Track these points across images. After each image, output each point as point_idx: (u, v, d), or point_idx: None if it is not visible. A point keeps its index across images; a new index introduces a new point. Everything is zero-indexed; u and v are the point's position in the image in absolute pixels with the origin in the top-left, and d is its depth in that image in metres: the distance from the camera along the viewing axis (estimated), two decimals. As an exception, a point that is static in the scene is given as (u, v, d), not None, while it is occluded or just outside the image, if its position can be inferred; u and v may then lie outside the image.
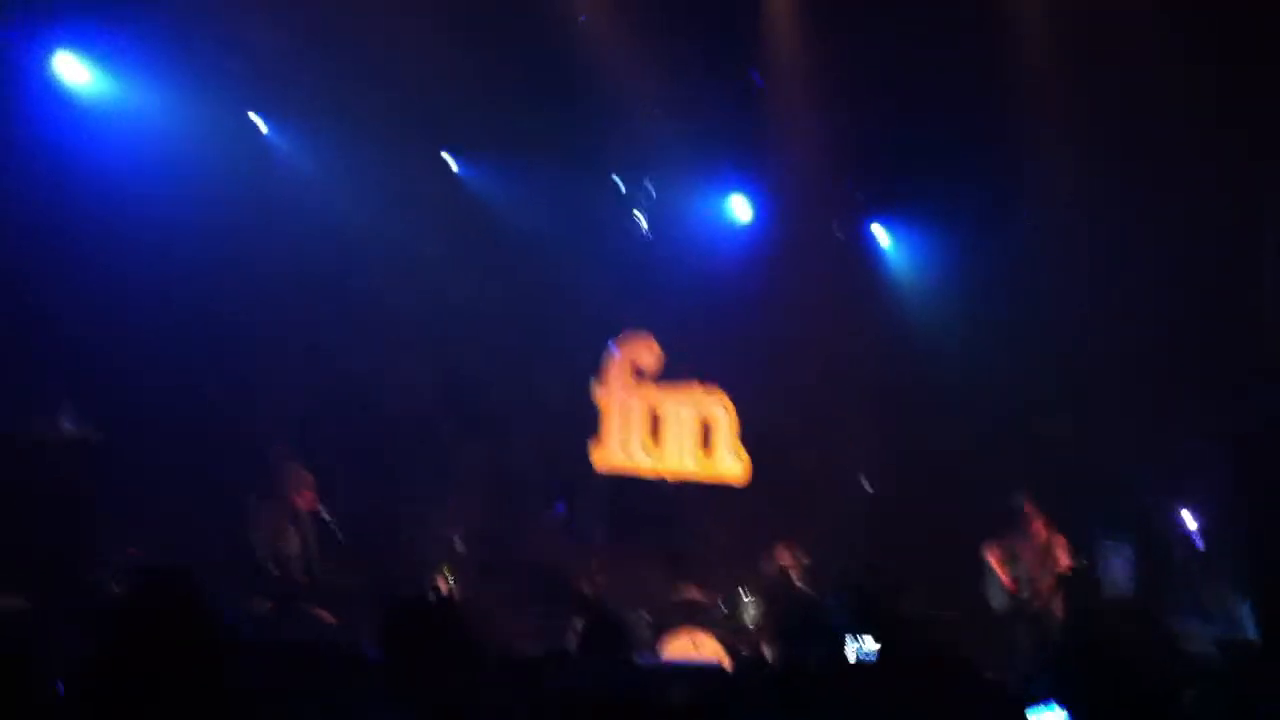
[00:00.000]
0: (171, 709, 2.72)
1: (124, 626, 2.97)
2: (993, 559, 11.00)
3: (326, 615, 8.87)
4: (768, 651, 9.60)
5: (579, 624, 9.55)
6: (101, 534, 8.69)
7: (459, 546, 9.99)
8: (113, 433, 8.99)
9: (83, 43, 10.02)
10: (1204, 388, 11.21)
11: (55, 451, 8.75)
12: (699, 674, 7.60)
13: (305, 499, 9.34)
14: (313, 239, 10.53)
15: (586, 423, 11.77)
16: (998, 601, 10.94)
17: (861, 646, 4.98)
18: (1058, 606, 10.79)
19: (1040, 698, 3.91)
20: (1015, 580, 10.86)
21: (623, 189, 11.84)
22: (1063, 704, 3.86)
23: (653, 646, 9.77)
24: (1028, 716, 3.89)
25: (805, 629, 6.03)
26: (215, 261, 10.05)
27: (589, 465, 11.70)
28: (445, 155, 11.55)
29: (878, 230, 12.90)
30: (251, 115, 10.85)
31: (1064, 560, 10.71)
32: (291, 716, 3.78)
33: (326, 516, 9.34)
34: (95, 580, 8.12)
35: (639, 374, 11.90)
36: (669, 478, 11.76)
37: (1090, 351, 11.66)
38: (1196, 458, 11.18)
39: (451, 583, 9.63)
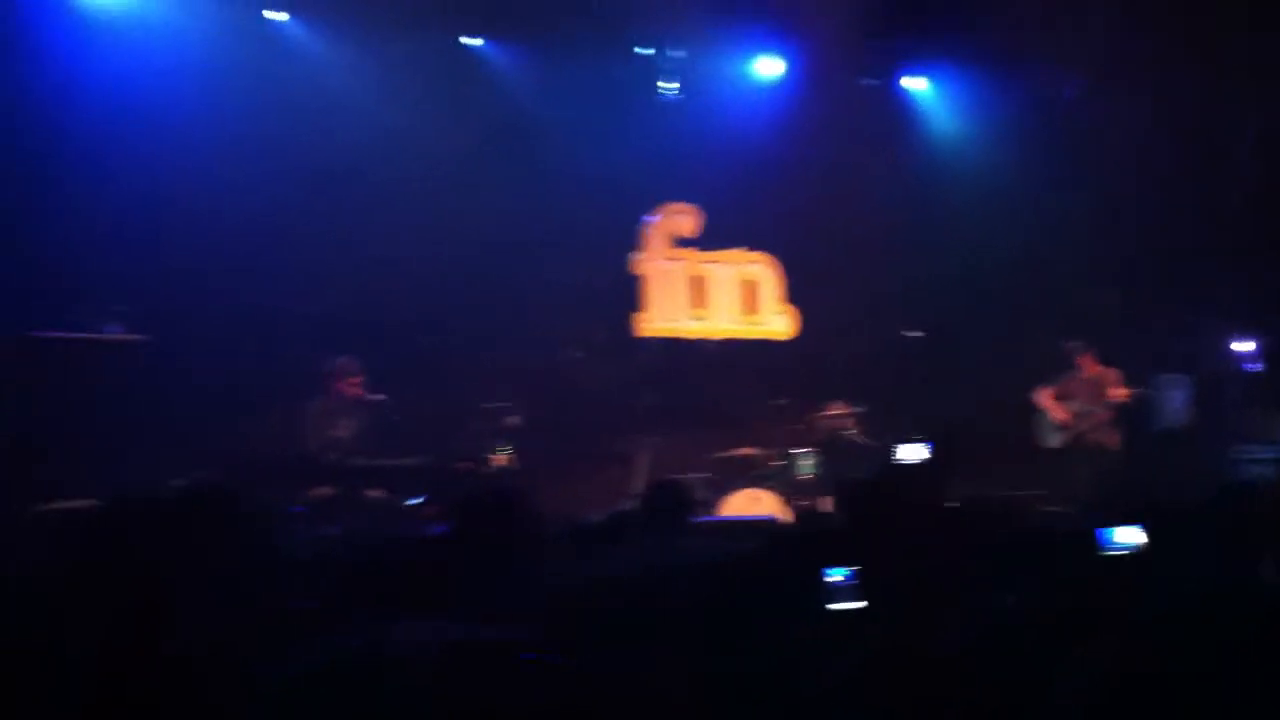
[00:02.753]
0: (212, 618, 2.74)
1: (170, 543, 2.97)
2: (1044, 398, 11.01)
3: (386, 495, 9.00)
4: (825, 503, 9.68)
5: (639, 489, 9.70)
6: (154, 437, 8.81)
7: (513, 421, 10.05)
8: (157, 337, 9.08)
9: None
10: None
11: (103, 356, 8.84)
12: (758, 530, 7.67)
13: (352, 386, 9.44)
14: (341, 135, 10.44)
15: (630, 295, 11.74)
16: (1052, 439, 10.97)
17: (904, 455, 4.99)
18: (1112, 439, 10.81)
19: (1112, 523, 3.93)
20: (1070, 415, 10.88)
21: (647, 59, 11.64)
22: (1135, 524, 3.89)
23: (710, 506, 9.86)
24: (1107, 537, 3.90)
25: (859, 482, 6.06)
26: (243, 164, 9.99)
27: (634, 335, 11.69)
28: (465, 40, 11.39)
29: (914, 83, 12.63)
30: (267, 14, 10.73)
31: (1117, 392, 10.70)
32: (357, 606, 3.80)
33: (376, 398, 9.45)
34: (152, 487, 8.24)
35: (678, 240, 11.82)
36: (712, 338, 11.74)
37: (1137, 215, 11.54)
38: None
39: (508, 456, 9.71)
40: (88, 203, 9.40)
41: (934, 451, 4.66)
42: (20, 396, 8.42)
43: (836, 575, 3.33)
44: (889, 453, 5.75)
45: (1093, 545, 4.05)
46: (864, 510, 5.16)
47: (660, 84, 11.57)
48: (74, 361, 8.69)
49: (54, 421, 8.41)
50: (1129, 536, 4.08)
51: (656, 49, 11.64)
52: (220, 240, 9.87)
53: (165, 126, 9.76)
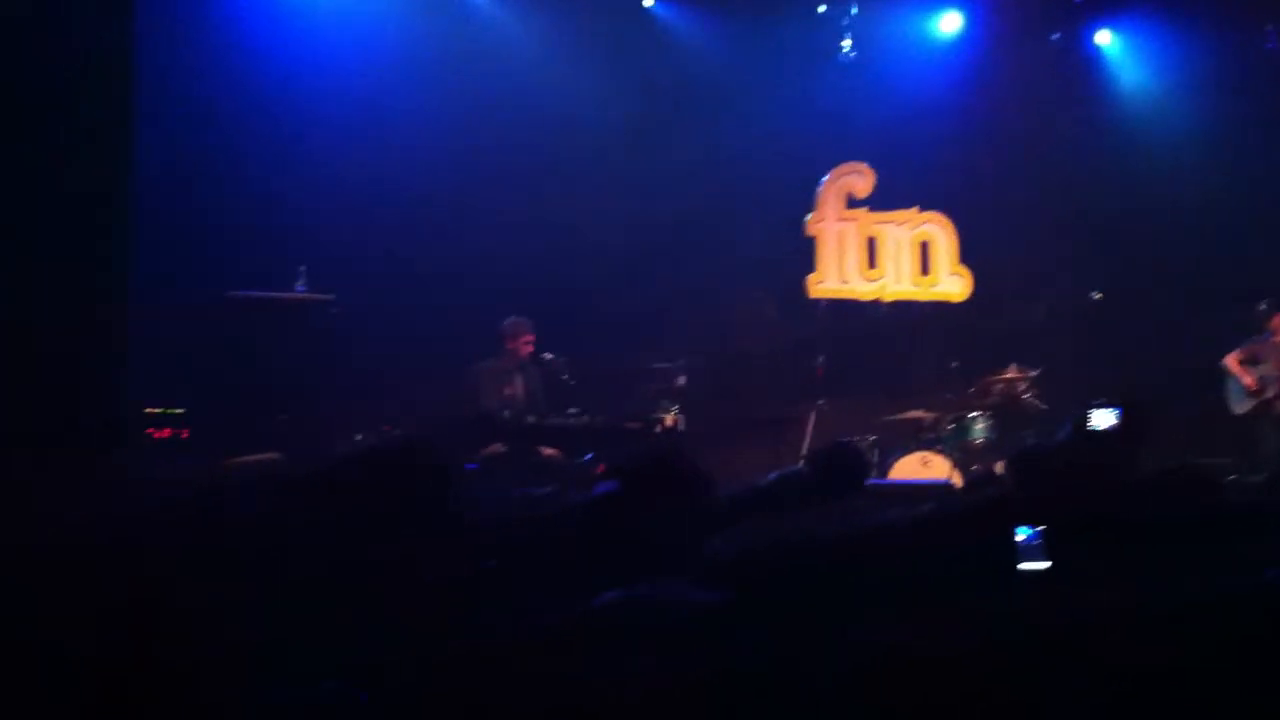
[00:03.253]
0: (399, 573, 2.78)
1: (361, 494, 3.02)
2: (1231, 362, 10.61)
3: (557, 453, 9.14)
4: (998, 467, 9.49)
5: (809, 451, 9.65)
6: (341, 393, 9.10)
7: (682, 381, 10.08)
8: (345, 297, 9.37)
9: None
10: None
11: (293, 314, 9.14)
12: (930, 493, 7.57)
13: (525, 344, 9.60)
14: (519, 98, 10.68)
15: (802, 257, 11.66)
16: (1239, 405, 10.58)
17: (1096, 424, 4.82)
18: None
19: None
20: (1259, 380, 10.47)
21: (825, 17, 11.51)
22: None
23: (881, 468, 9.77)
24: None
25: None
26: (423, 128, 10.31)
27: (806, 296, 11.61)
28: (645, 3, 11.43)
29: (1103, 37, 12.19)
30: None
31: (1310, 357, 10.27)
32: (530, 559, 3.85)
33: (548, 356, 9.60)
34: (341, 442, 8.51)
35: (852, 201, 11.68)
36: (885, 299, 11.58)
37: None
38: None
39: (677, 416, 9.75)
40: (281, 168, 9.73)
41: (1124, 418, 4.47)
42: (221, 352, 8.79)
43: (1023, 534, 3.23)
44: (1075, 418, 5.60)
45: None
46: (1049, 479, 5.04)
47: (841, 42, 11.41)
48: (267, 319, 9.01)
49: (247, 377, 8.76)
50: None
51: (835, 6, 11.49)
52: (401, 201, 10.14)
53: (350, 93, 10.13)
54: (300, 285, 9.28)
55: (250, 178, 9.66)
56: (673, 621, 1.94)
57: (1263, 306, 10.55)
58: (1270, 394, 10.43)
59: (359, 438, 8.46)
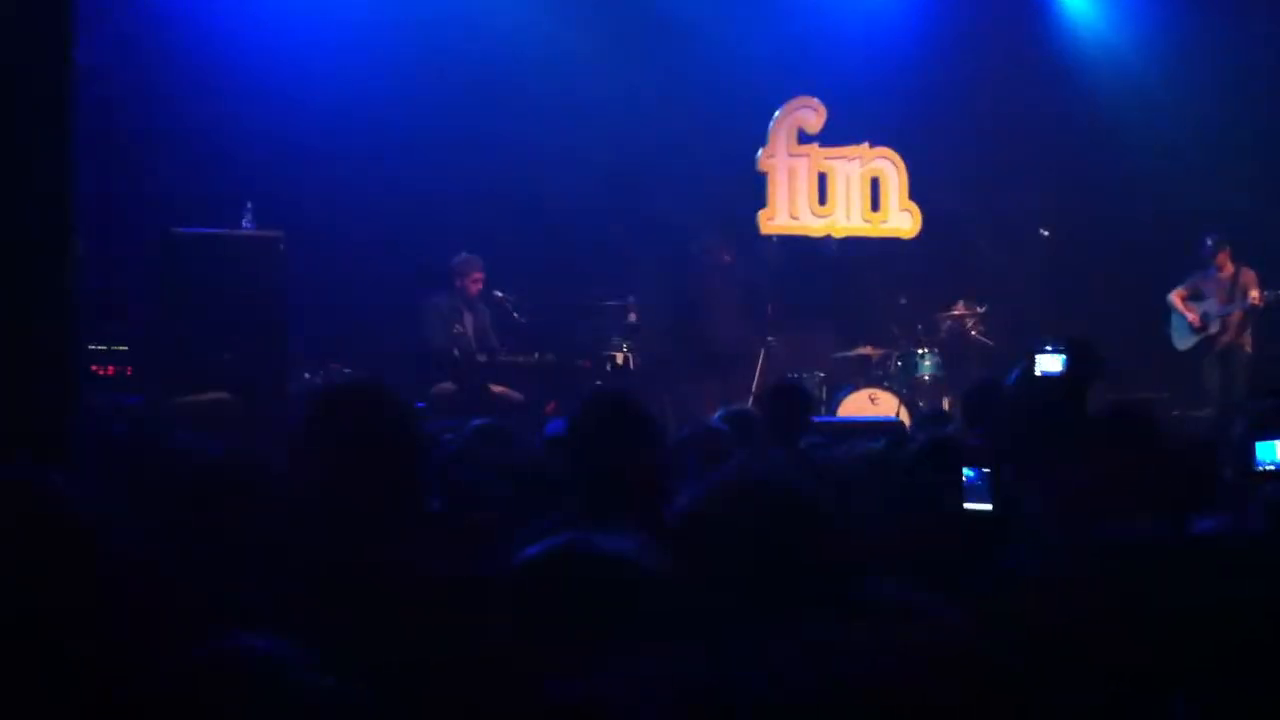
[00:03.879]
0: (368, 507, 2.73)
1: (322, 432, 2.96)
2: (1176, 298, 10.73)
3: (508, 392, 9.12)
4: (945, 403, 9.58)
5: (759, 389, 9.69)
6: (289, 333, 9.01)
7: (633, 319, 10.07)
8: (292, 234, 9.26)
9: None
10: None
11: (238, 251, 9.01)
12: (878, 430, 7.62)
13: (475, 282, 9.54)
14: (468, 31, 10.54)
15: (754, 192, 11.63)
16: (1183, 340, 10.71)
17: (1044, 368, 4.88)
18: (1246, 342, 10.51)
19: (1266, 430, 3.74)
20: (1202, 316, 10.59)
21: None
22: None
23: (829, 405, 9.83)
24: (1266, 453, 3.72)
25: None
26: (378, 66, 10.18)
27: (757, 232, 11.60)
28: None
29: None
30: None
31: (1253, 294, 10.37)
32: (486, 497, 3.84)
33: (499, 294, 9.56)
34: (290, 379, 8.44)
35: (804, 136, 11.64)
36: (836, 236, 11.59)
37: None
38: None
39: (628, 354, 9.75)
40: (229, 104, 9.58)
41: (1071, 356, 4.49)
42: (162, 290, 8.67)
43: (969, 474, 3.21)
44: (1024, 360, 5.65)
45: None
46: (999, 416, 5.10)
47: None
48: (212, 256, 8.88)
49: (193, 315, 8.65)
50: None
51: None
52: (349, 136, 10.02)
53: (297, 29, 9.95)
54: (247, 222, 9.16)
55: (197, 115, 9.50)
56: (610, 580, 1.92)
57: (1208, 241, 10.65)
58: (1213, 330, 10.56)
59: (307, 376, 8.41)
